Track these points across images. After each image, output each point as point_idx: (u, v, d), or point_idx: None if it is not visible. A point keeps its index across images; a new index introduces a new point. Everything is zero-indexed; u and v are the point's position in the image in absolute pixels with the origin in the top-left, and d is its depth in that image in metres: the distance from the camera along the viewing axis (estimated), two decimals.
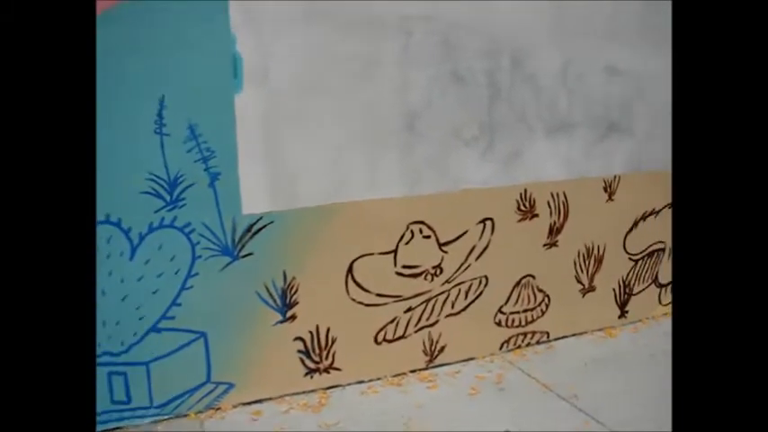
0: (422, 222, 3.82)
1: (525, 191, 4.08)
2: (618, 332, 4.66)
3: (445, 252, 3.93)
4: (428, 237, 3.87)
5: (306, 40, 3.38)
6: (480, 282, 4.09)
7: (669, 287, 4.95)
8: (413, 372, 4.03)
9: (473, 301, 4.10)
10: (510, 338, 4.30)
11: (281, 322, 3.59)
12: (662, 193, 4.69)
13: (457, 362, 4.15)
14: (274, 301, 3.55)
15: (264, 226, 3.46)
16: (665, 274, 4.89)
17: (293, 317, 3.62)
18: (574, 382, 3.84)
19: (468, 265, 4.02)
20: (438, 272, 3.94)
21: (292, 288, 3.60)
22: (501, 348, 4.28)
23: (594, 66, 4.21)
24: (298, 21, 3.34)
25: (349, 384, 3.81)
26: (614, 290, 4.66)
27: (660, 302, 4.94)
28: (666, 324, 4.80)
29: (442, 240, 3.91)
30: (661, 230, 4.75)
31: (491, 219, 4.01)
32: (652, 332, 4.64)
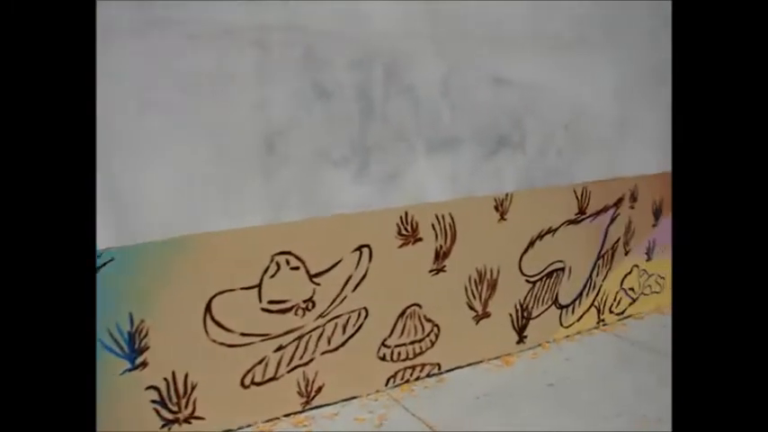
0: (288, 252, 3.63)
1: (406, 213, 3.94)
2: (516, 359, 4.58)
3: (317, 284, 3.75)
4: (296, 268, 3.68)
5: (140, 51, 3.13)
6: (359, 314, 3.93)
7: (571, 308, 4.91)
8: (287, 416, 3.84)
9: (352, 336, 3.94)
10: (397, 373, 4.16)
11: (130, 370, 3.35)
12: (558, 211, 4.63)
13: (337, 402, 3.99)
14: (120, 347, 3.30)
15: (103, 264, 3.19)
16: (566, 294, 4.85)
17: (144, 363, 3.38)
18: (462, 420, 3.75)
19: (345, 297, 3.86)
20: (310, 306, 3.76)
21: (141, 331, 3.36)
22: (387, 384, 4.14)
23: (480, 76, 4.10)
24: (129, 30, 3.08)
25: None
26: (511, 315, 4.58)
27: (561, 324, 4.88)
28: (568, 347, 4.81)
29: (313, 271, 3.72)
30: (559, 249, 4.70)
31: (368, 245, 3.85)
32: (552, 357, 4.59)
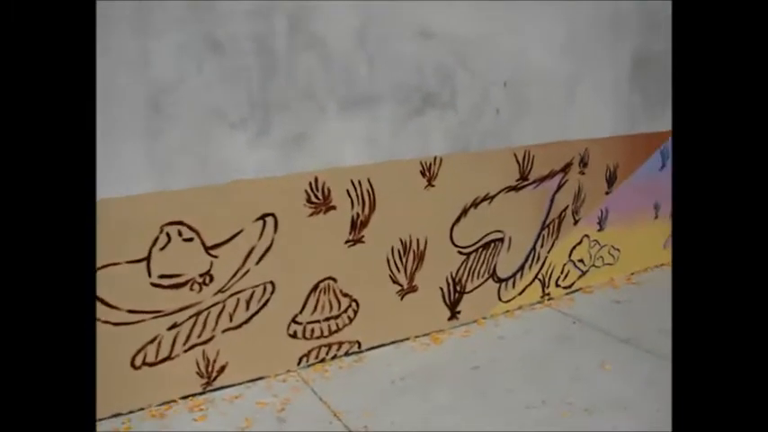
0: (180, 223, 3.49)
1: (316, 179, 3.79)
2: (446, 337, 4.48)
3: (215, 256, 3.62)
4: (190, 239, 3.54)
5: None
6: (265, 289, 3.80)
7: (511, 281, 4.80)
8: (185, 398, 3.74)
9: (257, 312, 3.83)
10: (311, 351, 4.06)
11: None
12: (496, 176, 4.49)
13: (243, 382, 3.89)
14: None
15: None
16: (505, 267, 4.74)
17: None
18: (370, 406, 3.67)
19: (248, 271, 3.73)
20: (207, 280, 3.63)
21: None
22: (300, 364, 4.04)
23: (402, 26, 3.90)
24: None
25: (103, 419, 3.50)
26: (442, 289, 4.47)
27: (500, 299, 4.78)
28: (505, 324, 4.75)
29: (210, 243, 3.59)
30: (497, 218, 4.58)
31: (272, 214, 3.72)
32: (485, 335, 4.50)
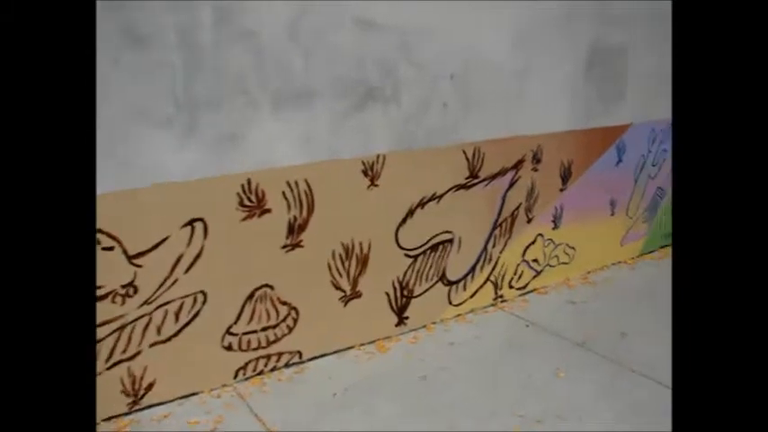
0: (99, 230, 3.26)
1: (249, 181, 3.61)
2: (393, 344, 4.34)
3: (138, 266, 3.42)
4: (110, 248, 3.33)
5: None
6: (195, 299, 3.62)
7: (462, 284, 4.67)
8: (109, 420, 3.54)
9: (188, 324, 3.64)
10: (248, 364, 3.88)
11: None
12: (444, 174, 4.35)
13: (174, 400, 3.70)
14: None
15: None
16: (455, 269, 4.61)
17: None
18: (309, 422, 3.52)
19: (176, 280, 3.54)
20: (131, 291, 3.43)
21: None
22: (236, 377, 3.86)
23: (339, 17, 3.72)
24: None
25: None
26: (388, 294, 4.33)
27: (451, 303, 4.65)
28: (455, 329, 4.64)
29: (133, 252, 3.39)
30: (446, 218, 4.44)
31: (201, 219, 3.52)
32: (434, 342, 4.37)
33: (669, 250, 6.25)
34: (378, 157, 4.07)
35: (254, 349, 3.95)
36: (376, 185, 4.10)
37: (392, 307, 4.41)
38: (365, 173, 4.04)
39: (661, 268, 5.76)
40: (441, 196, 4.41)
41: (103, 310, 3.46)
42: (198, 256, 3.62)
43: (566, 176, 5.12)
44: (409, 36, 4.04)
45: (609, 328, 4.50)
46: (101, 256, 3.37)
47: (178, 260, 3.58)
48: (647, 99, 5.61)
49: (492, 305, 4.92)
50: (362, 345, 4.34)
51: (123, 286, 3.48)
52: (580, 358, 4.16)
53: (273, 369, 4.05)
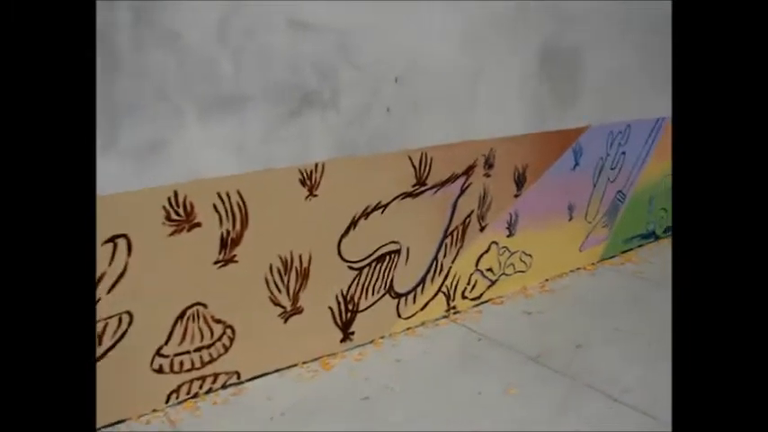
0: None
1: (176, 193, 3.43)
2: (337, 362, 4.18)
3: None
4: None
5: None
6: (121, 320, 3.44)
7: (411, 296, 4.53)
8: None
9: (113, 347, 3.45)
10: (181, 387, 3.71)
11: None
12: (389, 182, 4.20)
13: (99, 429, 3.50)
14: None
15: None
16: (404, 280, 4.46)
17: None
18: None
19: (98, 300, 3.32)
20: None
21: None
22: (169, 401, 3.66)
23: (271, 18, 3.55)
24: None
25: None
26: (331, 308, 4.16)
27: (400, 316, 4.50)
28: (404, 344, 4.51)
29: None
30: (392, 228, 4.30)
31: (124, 235, 3.33)
32: (381, 358, 4.22)
33: (631, 255, 6.17)
34: (316, 165, 3.91)
35: (188, 371, 3.77)
36: (315, 195, 3.94)
37: (336, 322, 4.25)
38: (303, 182, 3.88)
39: (621, 274, 5.68)
40: (386, 205, 4.26)
41: None
42: (121, 275, 3.45)
43: (520, 181, 5.00)
44: (348, 37, 3.90)
45: (564, 340, 4.39)
46: None
47: (100, 279, 3.38)
48: (605, 101, 5.52)
49: (444, 317, 4.79)
50: (305, 363, 4.18)
51: None
52: (534, 373, 4.04)
53: (209, 391, 3.87)
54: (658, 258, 6.08)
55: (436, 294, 4.74)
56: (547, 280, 5.49)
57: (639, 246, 6.41)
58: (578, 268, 5.78)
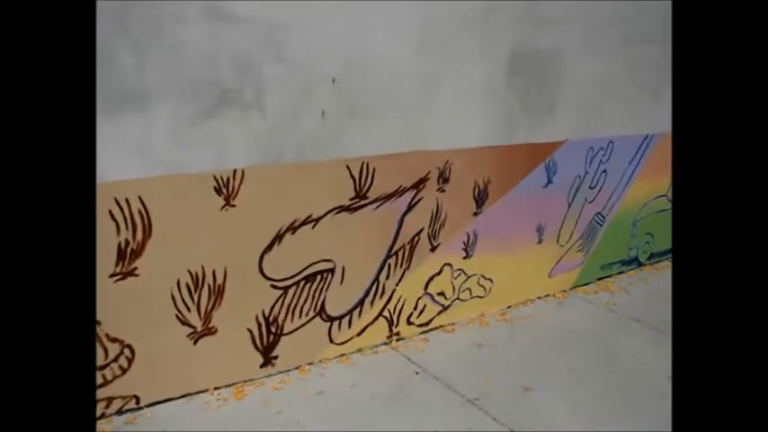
0: None
1: None
2: (253, 389, 3.87)
3: None
4: None
5: None
6: None
7: (346, 319, 4.22)
8: None
9: None
10: None
11: None
12: (322, 194, 3.89)
13: None
14: None
15: None
16: (338, 302, 4.14)
17: None
18: None
19: None
20: None
21: None
22: None
23: (182, 6, 3.22)
24: None
25: None
26: (250, 330, 3.84)
27: (332, 341, 4.17)
28: (333, 373, 4.22)
29: None
30: (325, 244, 3.98)
31: None
32: (301, 389, 3.93)
33: (608, 283, 5.81)
34: (234, 172, 3.58)
35: None
36: (232, 205, 3.62)
37: (257, 345, 3.94)
38: (218, 190, 3.57)
39: (592, 305, 5.32)
40: (318, 219, 3.95)
41: None
42: None
43: (481, 198, 4.65)
44: (277, 30, 3.61)
45: (512, 381, 4.06)
46: None
47: None
48: (586, 113, 5.16)
49: (385, 344, 4.45)
50: (217, 388, 3.87)
51: None
52: (467, 419, 3.72)
53: (102, 416, 3.56)
54: (637, 288, 5.72)
55: (376, 319, 4.41)
56: (509, 307, 5.14)
57: (620, 272, 6.02)
58: (547, 295, 5.42)
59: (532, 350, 4.54)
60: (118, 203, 3.37)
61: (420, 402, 3.88)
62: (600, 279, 5.84)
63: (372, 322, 4.41)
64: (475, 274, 4.86)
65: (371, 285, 4.34)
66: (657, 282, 5.94)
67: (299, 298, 4.06)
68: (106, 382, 3.60)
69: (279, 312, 4.01)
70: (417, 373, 4.19)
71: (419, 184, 4.34)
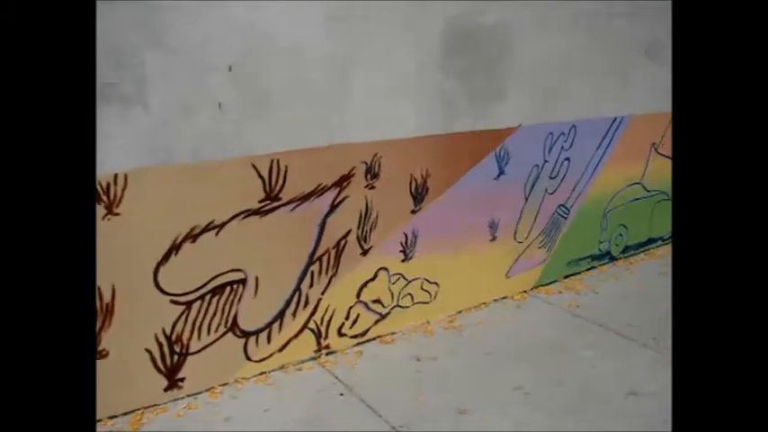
0: None
1: None
2: (153, 417, 3.57)
3: None
4: None
5: None
6: None
7: (265, 334, 3.95)
8: None
9: None
10: None
11: None
12: (225, 196, 3.61)
13: None
14: None
15: None
16: (253, 316, 3.86)
17: None
18: None
19: None
20: None
21: None
22: None
23: None
24: None
25: None
26: (150, 351, 3.55)
27: (249, 358, 3.87)
28: (247, 395, 3.93)
29: None
30: (232, 253, 3.72)
31: None
32: (209, 415, 3.70)
33: (575, 281, 5.48)
34: (116, 176, 3.28)
35: None
36: (116, 214, 3.34)
37: (158, 367, 3.65)
38: (98, 198, 3.24)
39: (553, 307, 5.00)
40: (221, 225, 3.64)
41: None
42: None
43: (419, 194, 4.33)
44: (158, 12, 3.25)
45: (447, 402, 3.75)
46: None
47: None
48: (542, 95, 4.81)
49: (313, 359, 4.13)
50: (114, 417, 3.57)
51: None
52: None
53: None
54: (607, 286, 5.38)
55: (301, 332, 4.11)
56: (459, 312, 4.81)
57: (590, 268, 5.67)
58: (504, 297, 5.09)
59: (477, 363, 4.22)
60: None
61: (352, 424, 3.56)
62: (567, 277, 5.49)
63: (296, 336, 4.11)
64: (417, 278, 4.54)
65: (292, 295, 4.03)
66: (629, 278, 5.61)
67: (206, 313, 3.77)
68: None
69: (183, 330, 3.72)
70: (342, 394, 3.88)
71: (342, 182, 4.02)
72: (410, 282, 4.55)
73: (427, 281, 4.63)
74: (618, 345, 4.47)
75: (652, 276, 5.69)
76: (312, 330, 4.20)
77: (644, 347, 4.40)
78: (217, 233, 3.69)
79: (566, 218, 5.37)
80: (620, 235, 5.87)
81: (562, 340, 4.53)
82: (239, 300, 3.88)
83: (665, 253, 6.30)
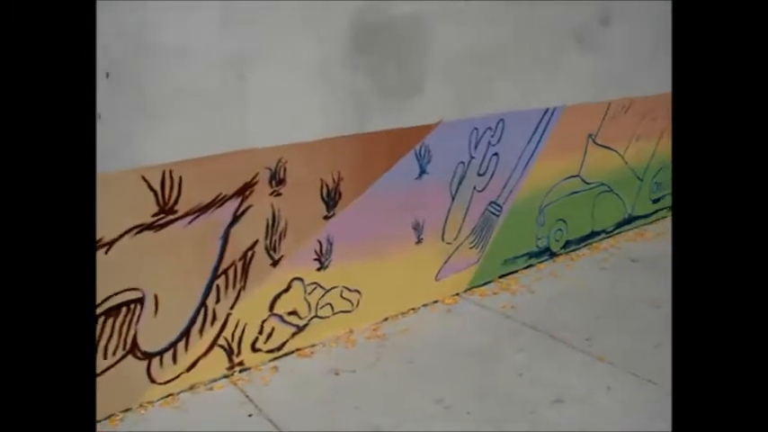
0: None
1: None
2: None
3: None
4: None
5: None
6: None
7: (169, 354, 3.82)
8: None
9: None
10: None
11: None
12: (111, 212, 3.46)
13: None
14: None
15: None
16: (154, 336, 3.75)
17: None
18: None
19: None
20: None
21: None
22: None
23: None
24: None
25: None
26: None
27: (153, 381, 3.77)
28: (152, 420, 3.82)
29: None
30: (126, 272, 3.61)
31: None
32: None
33: (511, 280, 5.38)
34: None
35: None
36: None
37: None
38: None
39: (485, 310, 4.91)
40: (112, 242, 3.50)
41: None
42: None
43: (332, 199, 4.22)
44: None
45: (361, 420, 3.65)
46: None
47: None
48: (463, 89, 4.70)
49: (226, 377, 4.01)
50: None
51: None
52: None
53: None
54: (544, 285, 5.29)
55: (210, 349, 3.99)
56: (386, 320, 4.70)
57: (528, 266, 5.58)
58: (435, 302, 4.99)
59: (398, 375, 4.11)
60: None
61: None
62: (504, 276, 5.40)
63: (206, 354, 3.98)
64: (336, 287, 4.43)
65: (197, 312, 3.91)
66: (569, 275, 5.52)
67: (101, 335, 3.63)
68: None
69: None
70: (251, 415, 3.76)
71: (245, 190, 3.90)
72: (328, 291, 4.44)
73: (347, 289, 4.53)
74: (547, 348, 4.39)
75: (593, 272, 5.62)
76: (222, 347, 4.08)
77: (574, 350, 4.31)
78: (107, 251, 3.57)
79: (498, 215, 5.28)
80: (560, 230, 5.79)
81: (490, 346, 4.44)
82: (137, 320, 3.76)
83: (607, 246, 6.22)
